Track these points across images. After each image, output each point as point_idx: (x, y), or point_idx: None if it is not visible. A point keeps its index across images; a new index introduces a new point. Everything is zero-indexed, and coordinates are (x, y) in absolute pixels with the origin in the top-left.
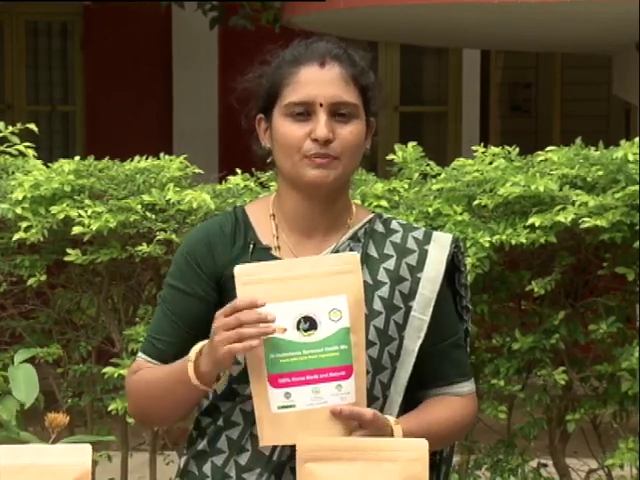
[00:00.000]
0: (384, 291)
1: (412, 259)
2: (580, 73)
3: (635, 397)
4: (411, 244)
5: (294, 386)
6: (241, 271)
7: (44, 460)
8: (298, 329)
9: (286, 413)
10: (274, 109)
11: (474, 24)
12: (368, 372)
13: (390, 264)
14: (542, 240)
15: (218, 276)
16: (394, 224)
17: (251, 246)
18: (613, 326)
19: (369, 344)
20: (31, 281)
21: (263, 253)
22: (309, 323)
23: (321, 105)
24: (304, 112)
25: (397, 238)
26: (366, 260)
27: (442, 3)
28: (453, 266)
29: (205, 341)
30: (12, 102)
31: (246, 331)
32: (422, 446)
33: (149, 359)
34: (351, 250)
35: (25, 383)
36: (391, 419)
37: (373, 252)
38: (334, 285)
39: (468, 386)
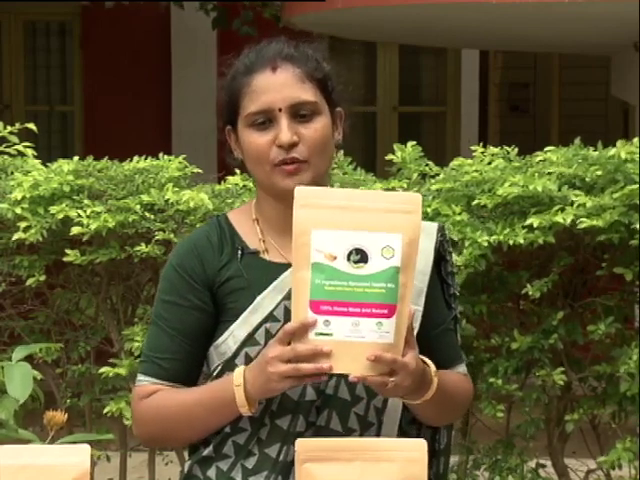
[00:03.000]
0: None
1: None
2: (578, 73)
3: (634, 397)
4: None
5: (335, 315)
6: (300, 193)
7: (43, 460)
8: (348, 260)
9: (322, 341)
10: (238, 120)
11: (473, 24)
12: None
13: None
14: (540, 240)
15: (210, 284)
16: None
17: (239, 252)
18: (612, 326)
19: None
20: (30, 281)
21: (252, 258)
22: (360, 255)
23: (280, 110)
24: (265, 120)
25: None
26: None
27: (440, 3)
28: (439, 255)
29: (243, 366)
30: (10, 102)
31: (304, 368)
32: (421, 446)
33: (157, 381)
34: None
35: (20, 380)
36: (431, 366)
37: None
38: (391, 222)
39: (462, 367)
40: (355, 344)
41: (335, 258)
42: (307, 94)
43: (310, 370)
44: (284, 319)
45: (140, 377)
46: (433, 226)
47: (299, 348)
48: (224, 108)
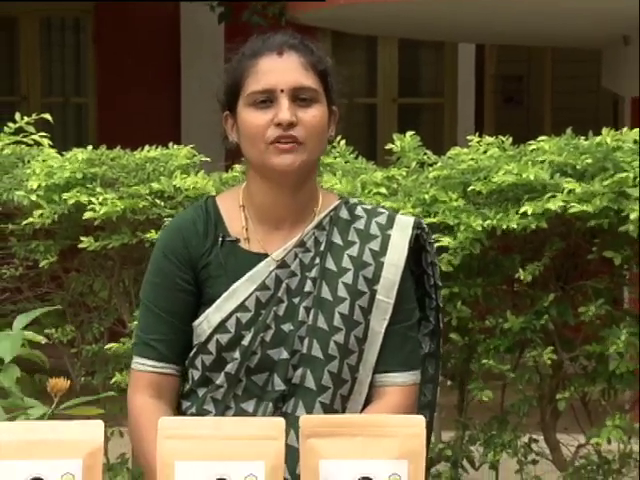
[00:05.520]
0: (348, 277)
1: (375, 244)
2: (570, 67)
3: (622, 375)
4: (374, 230)
5: None
6: (163, 424)
7: (56, 435)
8: None
9: None
10: (238, 102)
11: (469, 19)
12: (335, 357)
13: (354, 251)
14: (533, 226)
15: (194, 267)
16: (359, 210)
17: (220, 239)
18: (601, 308)
19: (335, 330)
20: (43, 263)
21: (232, 246)
22: None
23: (282, 91)
24: (266, 100)
25: (361, 224)
26: (330, 248)
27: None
28: (419, 246)
29: None
30: (27, 94)
31: None
32: (420, 422)
33: (149, 362)
34: (316, 239)
35: (10, 343)
36: None
37: (337, 239)
38: (254, 450)
39: (403, 377)
40: None
41: None
42: (309, 81)
43: None
44: (254, 310)
45: (135, 359)
46: (409, 221)
47: None
48: (225, 91)
